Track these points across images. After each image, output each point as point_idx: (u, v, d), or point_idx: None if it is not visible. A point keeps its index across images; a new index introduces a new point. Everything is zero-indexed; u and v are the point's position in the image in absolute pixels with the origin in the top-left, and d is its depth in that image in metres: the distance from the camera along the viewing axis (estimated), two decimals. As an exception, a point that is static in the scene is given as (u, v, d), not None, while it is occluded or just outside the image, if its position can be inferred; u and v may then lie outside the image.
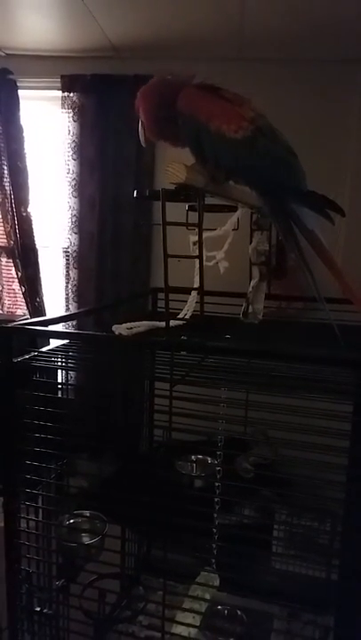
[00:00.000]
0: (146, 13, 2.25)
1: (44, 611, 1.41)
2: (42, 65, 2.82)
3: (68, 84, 2.76)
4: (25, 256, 2.91)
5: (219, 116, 1.15)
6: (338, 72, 2.55)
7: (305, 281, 1.21)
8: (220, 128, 1.15)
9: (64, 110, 2.79)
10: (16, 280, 2.98)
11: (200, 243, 1.23)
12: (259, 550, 1.86)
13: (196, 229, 1.30)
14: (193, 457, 1.90)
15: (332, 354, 1.11)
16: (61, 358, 1.36)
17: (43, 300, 2.98)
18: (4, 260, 3.03)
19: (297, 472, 1.41)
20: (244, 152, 1.15)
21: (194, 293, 1.44)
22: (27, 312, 2.99)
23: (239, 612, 1.70)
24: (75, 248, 2.87)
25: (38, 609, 1.41)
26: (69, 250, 2.89)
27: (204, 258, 1.33)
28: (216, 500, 1.73)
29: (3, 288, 3.07)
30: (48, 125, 2.97)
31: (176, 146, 1.29)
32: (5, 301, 3.08)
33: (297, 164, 1.21)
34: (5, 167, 2.86)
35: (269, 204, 1.24)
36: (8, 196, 2.87)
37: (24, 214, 2.88)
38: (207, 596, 1.62)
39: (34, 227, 2.91)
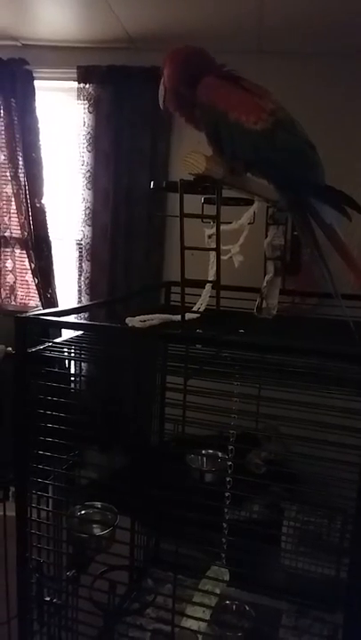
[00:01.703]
0: (164, 4, 2.23)
1: (54, 601, 1.42)
2: (58, 55, 2.81)
3: (83, 75, 2.75)
4: (38, 248, 2.91)
5: (238, 106, 1.13)
6: (359, 65, 2.51)
7: (320, 276, 1.20)
8: (239, 119, 1.13)
9: (80, 101, 2.78)
10: (29, 271, 2.99)
11: (218, 235, 1.22)
12: (268, 546, 1.86)
13: (211, 222, 1.29)
14: (204, 451, 1.89)
15: (347, 349, 1.10)
16: (74, 350, 1.36)
17: (55, 292, 2.99)
18: (17, 251, 3.03)
19: (308, 469, 1.40)
20: (263, 144, 1.14)
21: (208, 287, 1.43)
22: (39, 304, 3.00)
23: (248, 608, 1.70)
24: (88, 240, 2.87)
25: (48, 599, 1.41)
26: (82, 242, 2.89)
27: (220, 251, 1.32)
28: (227, 494, 1.73)
29: (16, 279, 3.08)
30: (63, 117, 2.96)
31: (190, 124, 1.27)
32: (18, 292, 3.09)
33: (316, 157, 1.19)
34: (20, 158, 2.86)
35: (287, 197, 1.22)
36: (23, 188, 2.88)
37: (38, 206, 2.88)
38: (217, 591, 1.62)
39: (48, 218, 2.91)
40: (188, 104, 1.22)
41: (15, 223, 2.97)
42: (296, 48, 2.54)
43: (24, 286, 3.08)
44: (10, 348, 1.37)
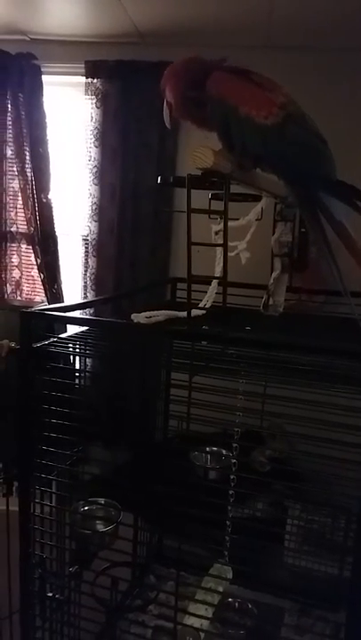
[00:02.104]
0: (173, -1, 2.22)
1: (57, 596, 1.42)
2: (66, 50, 2.80)
3: (91, 70, 2.74)
4: (45, 243, 2.91)
5: (249, 101, 1.12)
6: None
7: (327, 274, 1.19)
8: (249, 113, 1.12)
9: (87, 96, 2.77)
10: (35, 267, 2.99)
11: (225, 231, 1.21)
12: (272, 544, 1.86)
13: (219, 218, 1.28)
14: (208, 448, 1.89)
15: (354, 347, 1.09)
16: (79, 345, 1.36)
17: (61, 288, 2.98)
18: (23, 246, 3.03)
19: (313, 467, 1.39)
20: (274, 139, 1.12)
21: (214, 283, 1.42)
22: (45, 299, 3.00)
23: (250, 606, 1.70)
24: (94, 236, 2.86)
25: (50, 594, 1.41)
26: (89, 237, 2.88)
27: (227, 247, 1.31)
28: (230, 492, 1.72)
29: (22, 274, 3.07)
30: (71, 112, 2.96)
31: (202, 128, 1.26)
32: (24, 288, 3.09)
33: (327, 152, 1.18)
34: (27, 153, 2.85)
35: (297, 192, 1.21)
36: (29, 183, 2.87)
37: (45, 201, 2.88)
38: (220, 589, 1.61)
39: (54, 214, 2.91)
40: (198, 104, 1.21)
41: (22, 218, 2.97)
42: (305, 43, 2.52)
43: (30, 281, 3.08)
44: (13, 344, 1.36)
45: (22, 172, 2.88)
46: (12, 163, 2.92)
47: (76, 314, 1.47)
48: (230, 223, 1.28)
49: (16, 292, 3.09)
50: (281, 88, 1.17)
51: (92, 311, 2.64)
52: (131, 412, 2.65)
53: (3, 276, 3.06)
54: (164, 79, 1.24)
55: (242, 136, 1.15)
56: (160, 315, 1.43)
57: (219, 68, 1.19)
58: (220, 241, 1.24)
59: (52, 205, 2.90)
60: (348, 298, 1.15)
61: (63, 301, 2.96)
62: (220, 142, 1.21)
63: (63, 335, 1.35)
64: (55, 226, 2.92)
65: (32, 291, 3.09)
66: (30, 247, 2.98)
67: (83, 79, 2.76)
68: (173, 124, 1.30)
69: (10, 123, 2.88)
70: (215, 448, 1.88)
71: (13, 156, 2.90)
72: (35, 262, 2.98)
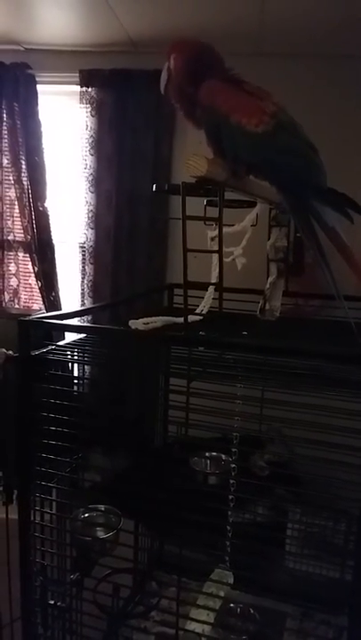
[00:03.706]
0: (165, 8, 2.23)
1: (58, 604, 1.41)
2: (60, 59, 2.81)
3: (86, 79, 2.75)
4: (42, 251, 2.91)
5: (240, 109, 1.14)
6: (359, 69, 2.51)
7: (323, 278, 1.20)
8: (240, 122, 1.13)
9: (82, 105, 2.78)
10: (33, 275, 2.99)
11: (220, 237, 1.22)
12: (272, 549, 1.85)
13: (214, 225, 1.29)
14: (207, 454, 1.89)
15: (350, 351, 1.10)
16: (77, 352, 1.36)
17: (59, 295, 2.99)
18: (20, 254, 3.03)
19: (312, 471, 1.40)
20: (265, 146, 1.14)
21: (211, 289, 1.43)
22: (43, 307, 3.00)
23: (252, 611, 1.69)
24: (91, 243, 2.87)
25: (52, 602, 1.41)
26: (86, 245, 2.89)
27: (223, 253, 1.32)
28: (230, 497, 1.72)
29: (19, 283, 3.08)
30: (66, 120, 2.97)
31: (190, 119, 1.28)
32: (22, 296, 3.09)
33: (318, 160, 1.19)
34: (23, 162, 2.86)
35: (289, 199, 1.22)
36: (26, 191, 2.88)
37: (41, 209, 2.89)
38: (221, 594, 1.61)
39: (51, 222, 2.91)
40: (190, 101, 1.22)
41: (18, 227, 2.98)
42: (297, 50, 2.53)
43: (27, 289, 3.08)
44: (11, 352, 1.37)
45: (18, 180, 2.89)
46: (8, 172, 2.93)
47: (74, 321, 1.47)
48: (226, 229, 1.29)
49: (14, 301, 3.10)
50: (272, 97, 1.19)
51: (89, 318, 2.65)
52: (130, 418, 2.66)
53: (0, 284, 3.06)
54: (173, 48, 1.26)
55: (233, 144, 1.16)
56: (157, 321, 1.43)
57: (216, 76, 1.20)
58: (216, 247, 1.26)
59: (49, 213, 2.90)
60: (341, 302, 1.16)
61: (61, 309, 2.96)
62: (211, 149, 1.22)
63: (61, 342, 1.35)
64: (52, 234, 2.92)
65: (30, 299, 3.09)
66: (27, 255, 2.98)
67: (77, 88, 2.77)
68: (167, 97, 1.31)
69: (5, 132, 2.89)
70: (215, 453, 1.88)
71: (9, 166, 2.90)
72: (32, 270, 2.98)
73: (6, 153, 2.90)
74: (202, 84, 1.19)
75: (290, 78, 2.50)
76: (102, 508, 1.59)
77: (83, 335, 1.41)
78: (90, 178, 2.82)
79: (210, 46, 1.25)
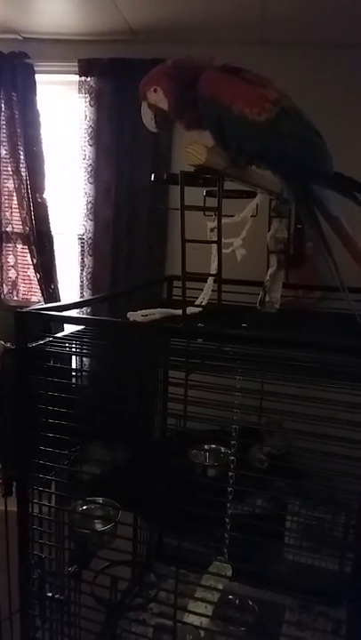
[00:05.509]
0: (165, -5, 2.21)
1: (56, 596, 1.41)
2: (59, 49, 2.79)
3: (85, 69, 2.72)
4: (40, 243, 2.90)
5: (241, 98, 1.11)
6: (361, 56, 2.49)
7: (324, 269, 1.19)
8: (242, 111, 1.11)
9: (81, 95, 2.76)
10: (31, 267, 2.98)
11: (219, 228, 1.20)
12: (271, 541, 1.85)
13: (214, 215, 1.28)
14: (206, 446, 1.89)
15: (351, 343, 1.09)
16: (76, 344, 1.35)
17: (57, 287, 2.98)
18: (19, 246, 3.02)
19: (311, 463, 1.39)
20: (268, 135, 1.12)
21: (210, 280, 1.42)
22: (41, 299, 2.99)
23: (251, 603, 1.70)
24: (90, 235, 2.85)
25: (50, 594, 1.41)
26: (84, 236, 2.87)
27: (222, 244, 1.30)
28: (229, 489, 1.72)
29: (18, 275, 3.07)
30: (65, 110, 2.94)
31: (191, 129, 1.25)
32: (20, 288, 3.08)
33: (323, 145, 1.18)
34: (21, 153, 2.84)
35: (293, 188, 1.21)
36: (24, 182, 2.86)
37: (40, 200, 2.87)
38: (220, 586, 1.61)
39: (49, 213, 2.90)
40: (188, 105, 1.19)
41: (17, 218, 2.96)
42: (298, 39, 2.51)
43: (26, 281, 3.07)
44: (9, 344, 1.36)
45: (17, 171, 2.86)
46: (6, 162, 2.90)
47: (73, 313, 1.46)
48: (225, 220, 1.28)
49: (12, 293, 3.08)
50: (273, 83, 1.17)
51: (88, 310, 2.64)
52: (129, 410, 2.65)
53: (-1, 276, 3.05)
54: (149, 81, 1.21)
55: (236, 135, 1.14)
56: (156, 313, 1.42)
57: (209, 67, 1.18)
58: (216, 238, 1.24)
59: (47, 205, 2.88)
60: (345, 292, 1.15)
61: (60, 301, 2.95)
62: (215, 142, 1.20)
63: (59, 334, 1.34)
64: (50, 225, 2.91)
65: (29, 291, 3.08)
66: (26, 247, 2.97)
67: (76, 77, 2.75)
68: (162, 127, 1.28)
69: (3, 122, 2.86)
70: (214, 445, 1.88)
71: (7, 156, 2.88)
72: (31, 262, 2.97)
73: (4, 143, 2.88)
74: (199, 79, 1.15)
75: (294, 66, 2.47)
76: (101, 500, 1.58)
77: (81, 327, 1.40)
78: (89, 168, 2.80)
79: (188, 56, 1.22)
